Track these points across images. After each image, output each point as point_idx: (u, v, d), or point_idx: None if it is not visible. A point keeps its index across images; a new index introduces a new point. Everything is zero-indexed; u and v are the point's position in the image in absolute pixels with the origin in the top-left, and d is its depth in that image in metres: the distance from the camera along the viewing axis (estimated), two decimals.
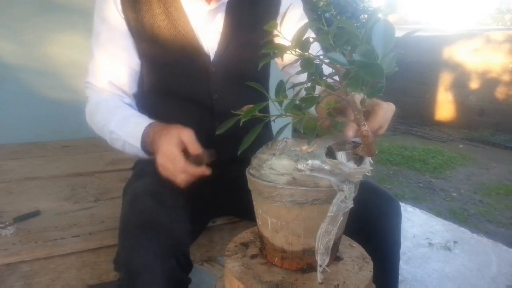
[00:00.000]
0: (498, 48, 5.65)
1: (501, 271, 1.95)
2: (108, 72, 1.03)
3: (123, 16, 0.99)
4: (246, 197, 0.84)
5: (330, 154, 0.65)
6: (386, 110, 0.72)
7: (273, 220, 0.66)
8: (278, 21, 0.62)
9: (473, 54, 5.94)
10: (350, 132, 0.66)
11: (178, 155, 0.83)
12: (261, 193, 0.65)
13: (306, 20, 1.09)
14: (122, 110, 1.03)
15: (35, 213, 1.15)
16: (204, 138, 0.88)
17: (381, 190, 0.95)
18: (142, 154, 0.96)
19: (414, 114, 6.63)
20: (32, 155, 1.88)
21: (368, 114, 0.73)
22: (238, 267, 0.68)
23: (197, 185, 0.94)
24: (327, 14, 5.11)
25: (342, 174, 0.61)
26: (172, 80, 1.03)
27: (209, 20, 1.01)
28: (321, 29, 0.59)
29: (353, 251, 0.76)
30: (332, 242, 0.63)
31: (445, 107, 6.32)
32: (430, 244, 2.22)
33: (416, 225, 2.48)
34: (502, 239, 2.37)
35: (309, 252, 0.66)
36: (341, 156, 0.64)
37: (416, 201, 3.06)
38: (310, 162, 0.60)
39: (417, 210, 2.77)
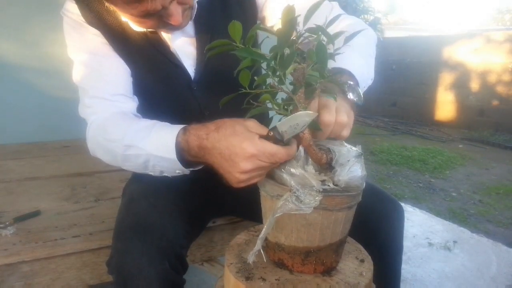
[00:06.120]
0: (498, 48, 5.65)
1: (501, 271, 1.95)
2: (106, 82, 0.89)
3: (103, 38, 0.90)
4: (246, 196, 0.84)
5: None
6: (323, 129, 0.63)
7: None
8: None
9: (473, 54, 5.94)
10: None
11: (256, 138, 0.63)
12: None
13: None
14: (138, 121, 0.86)
15: (35, 213, 1.15)
16: None
17: (384, 193, 0.94)
18: (173, 170, 0.79)
19: (414, 114, 6.64)
20: (33, 155, 1.88)
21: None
22: (238, 266, 0.68)
23: (197, 186, 0.94)
24: None
25: (298, 176, 0.60)
26: (160, 102, 0.96)
27: (186, 41, 0.93)
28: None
29: (354, 250, 0.76)
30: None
31: (445, 107, 6.32)
32: (430, 244, 2.22)
33: (416, 225, 2.48)
34: (502, 239, 2.37)
35: (279, 247, 0.66)
36: (306, 159, 0.63)
37: (416, 201, 3.06)
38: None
39: (417, 210, 2.77)
